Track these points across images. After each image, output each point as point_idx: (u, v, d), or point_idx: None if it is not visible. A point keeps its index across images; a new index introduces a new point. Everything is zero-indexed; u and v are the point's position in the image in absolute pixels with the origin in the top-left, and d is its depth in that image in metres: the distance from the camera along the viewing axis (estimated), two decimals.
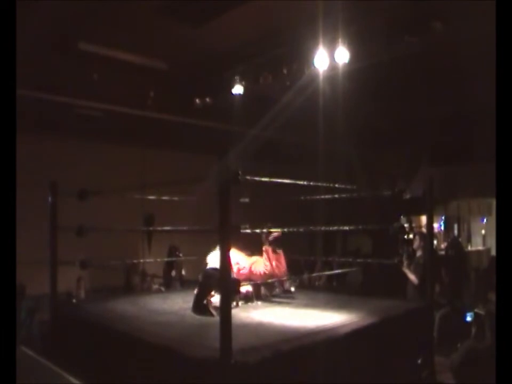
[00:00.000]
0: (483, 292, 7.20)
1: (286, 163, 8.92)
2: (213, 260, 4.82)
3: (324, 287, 8.72)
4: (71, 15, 5.47)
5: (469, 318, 5.51)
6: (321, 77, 6.41)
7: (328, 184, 5.22)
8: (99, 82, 6.86)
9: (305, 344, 3.57)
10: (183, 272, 8.21)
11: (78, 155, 8.45)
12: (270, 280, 5.67)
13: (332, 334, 3.84)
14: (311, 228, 6.26)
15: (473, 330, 4.57)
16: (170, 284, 7.94)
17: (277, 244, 5.28)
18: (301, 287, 7.05)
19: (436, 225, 11.74)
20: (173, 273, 8.13)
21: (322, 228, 7.51)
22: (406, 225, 11.08)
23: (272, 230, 5.07)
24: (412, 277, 5.94)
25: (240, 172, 3.29)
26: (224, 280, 3.22)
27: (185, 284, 7.39)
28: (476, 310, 5.49)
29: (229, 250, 3.21)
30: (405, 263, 6.01)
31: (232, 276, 3.66)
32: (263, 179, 3.89)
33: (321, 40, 5.85)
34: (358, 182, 6.61)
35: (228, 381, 3.05)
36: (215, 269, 4.60)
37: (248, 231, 3.57)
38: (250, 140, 8.20)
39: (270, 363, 3.21)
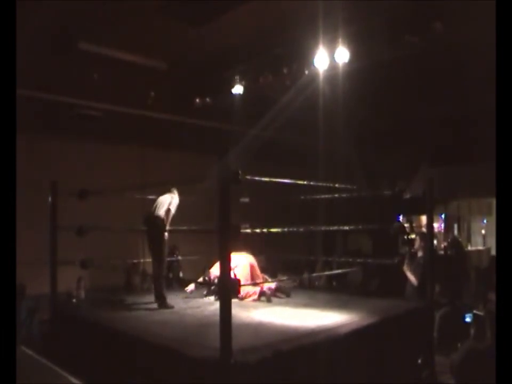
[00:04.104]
0: (483, 292, 7.19)
1: (286, 163, 8.92)
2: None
3: (324, 287, 8.72)
4: (71, 15, 5.46)
5: (468, 318, 5.50)
6: (321, 77, 6.41)
7: (328, 184, 5.22)
8: (99, 82, 6.85)
9: (305, 344, 3.57)
10: (181, 274, 8.19)
11: (78, 155, 8.44)
12: (270, 280, 5.67)
13: (332, 334, 3.84)
14: (311, 227, 6.26)
15: (473, 330, 4.56)
16: (170, 284, 7.90)
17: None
18: (301, 287, 7.06)
19: (436, 225, 11.72)
20: (170, 275, 8.07)
21: (323, 228, 7.51)
22: (406, 225, 11.07)
23: (272, 230, 5.09)
24: (412, 277, 5.92)
25: (240, 172, 3.29)
26: (224, 280, 3.21)
27: (184, 283, 7.37)
28: (475, 310, 5.49)
29: (229, 250, 3.21)
30: (405, 263, 6.00)
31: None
32: (263, 179, 3.89)
33: (321, 40, 5.84)
34: (358, 182, 6.59)
35: (228, 380, 3.04)
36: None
37: (248, 231, 3.57)
38: (250, 139, 8.19)
39: (270, 363, 3.21)
